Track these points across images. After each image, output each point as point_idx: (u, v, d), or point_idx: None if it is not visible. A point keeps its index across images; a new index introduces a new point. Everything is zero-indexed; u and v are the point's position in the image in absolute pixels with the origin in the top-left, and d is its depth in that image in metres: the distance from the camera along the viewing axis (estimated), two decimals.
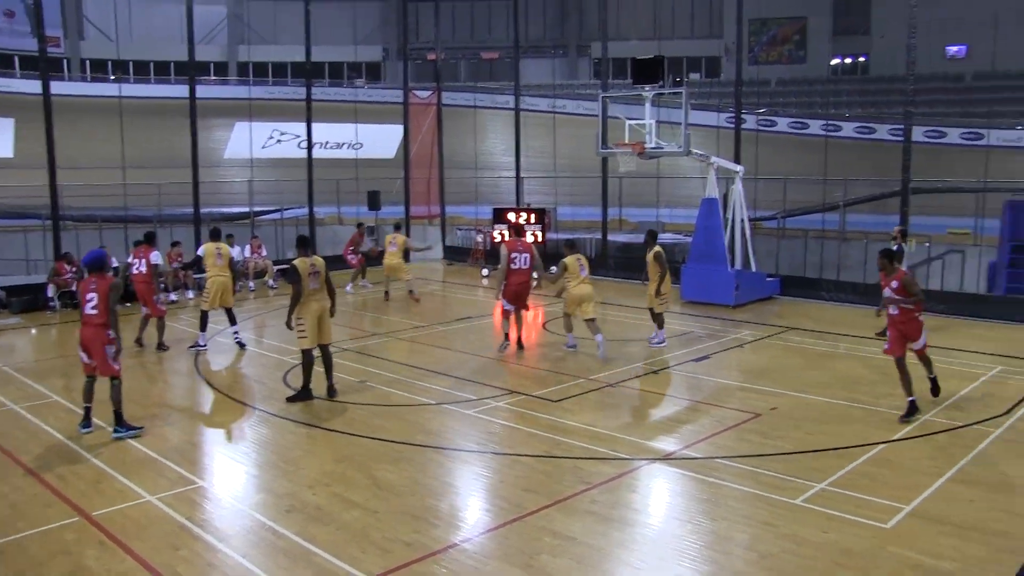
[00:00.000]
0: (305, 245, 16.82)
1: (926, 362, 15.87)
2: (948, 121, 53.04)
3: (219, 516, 11.20)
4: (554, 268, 22.29)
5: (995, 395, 16.45)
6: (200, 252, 22.28)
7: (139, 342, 21.64)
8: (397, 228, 30.93)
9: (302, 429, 14.85)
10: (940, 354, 19.82)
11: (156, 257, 21.59)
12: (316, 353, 16.60)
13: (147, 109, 54.13)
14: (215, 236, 22.36)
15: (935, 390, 15.89)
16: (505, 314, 21.32)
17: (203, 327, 21.55)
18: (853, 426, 14.59)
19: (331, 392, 16.62)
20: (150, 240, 22.01)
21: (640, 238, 36.54)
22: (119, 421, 14.48)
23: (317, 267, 16.36)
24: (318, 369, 16.74)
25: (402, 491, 11.77)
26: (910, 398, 14.84)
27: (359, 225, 32.84)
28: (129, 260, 22.24)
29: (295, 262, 16.30)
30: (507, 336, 21.33)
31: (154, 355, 20.89)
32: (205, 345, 21.45)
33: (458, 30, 78.69)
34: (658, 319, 21.37)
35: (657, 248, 21.10)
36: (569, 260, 20.71)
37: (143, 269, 21.39)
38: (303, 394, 16.44)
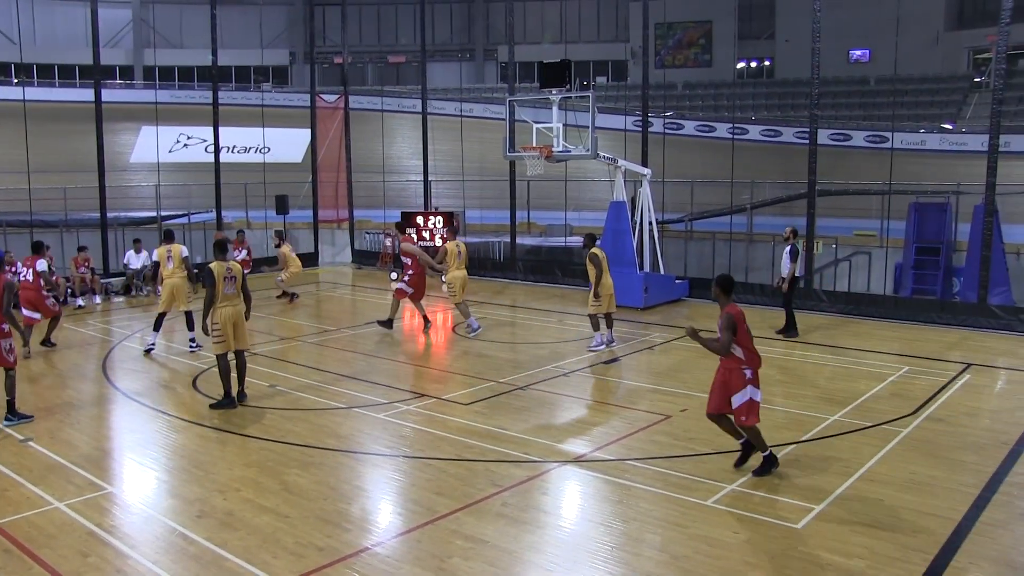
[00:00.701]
0: (222, 250, 16.66)
1: (731, 427, 12.59)
2: (853, 124, 53.78)
3: (129, 522, 10.97)
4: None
5: (903, 395, 16.61)
6: (154, 257, 22.53)
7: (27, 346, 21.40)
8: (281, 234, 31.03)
9: (212, 434, 14.63)
10: (849, 355, 20.12)
11: (41, 264, 21.69)
12: (230, 357, 16.44)
13: (52, 113, 53.40)
14: (167, 238, 22.19)
15: (740, 459, 12.65)
16: (404, 296, 23.52)
17: (156, 327, 21.45)
18: (763, 427, 14.56)
19: (240, 397, 16.43)
20: (36, 250, 22.41)
21: (551, 241, 36.73)
22: (11, 410, 15.25)
23: (233, 272, 16.16)
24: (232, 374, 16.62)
25: (313, 495, 11.63)
26: (766, 453, 12.28)
27: (239, 232, 31.65)
28: (17, 269, 22.30)
29: (211, 266, 16.11)
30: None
31: (62, 360, 20.54)
32: (153, 344, 21.32)
33: (365, 34, 78.55)
34: (592, 321, 21.04)
35: (593, 249, 20.78)
36: (450, 246, 22.88)
37: (29, 277, 21.53)
38: (226, 401, 16.19)
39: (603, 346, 20.94)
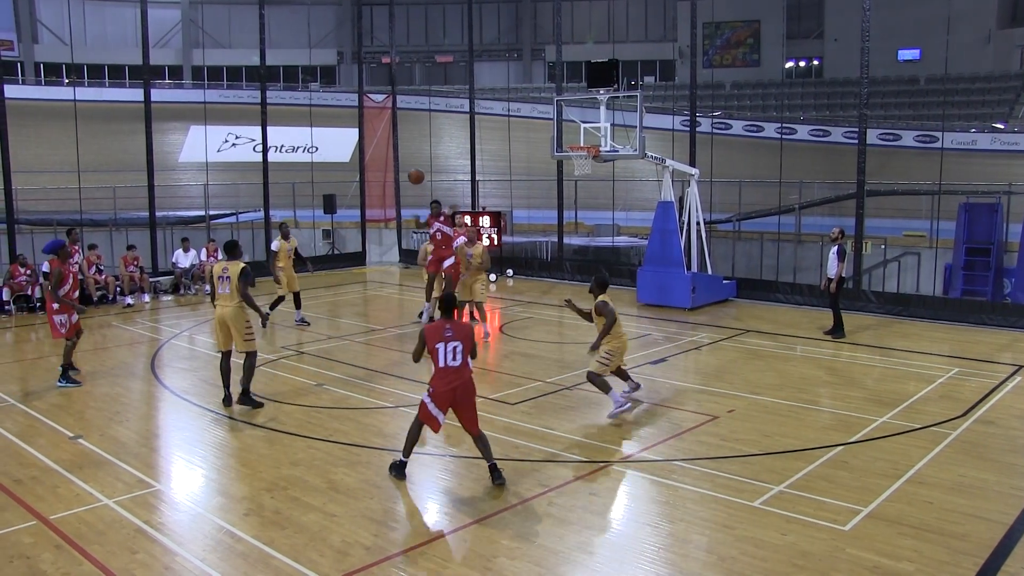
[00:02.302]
0: (227, 250, 16.59)
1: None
2: (902, 124, 53.38)
3: (176, 520, 11.10)
4: None
5: (952, 397, 16.49)
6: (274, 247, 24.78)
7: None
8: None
9: (259, 432, 14.72)
10: (897, 356, 19.98)
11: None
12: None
13: (102, 113, 53.80)
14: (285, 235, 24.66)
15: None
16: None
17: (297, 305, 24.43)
18: (810, 428, 14.61)
19: (236, 399, 16.33)
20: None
21: (599, 241, 36.67)
22: (63, 374, 18.00)
23: (228, 272, 16.01)
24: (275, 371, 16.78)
25: (360, 494, 11.71)
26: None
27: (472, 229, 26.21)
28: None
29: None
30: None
31: (111, 358, 20.68)
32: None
33: (412, 33, 78.67)
34: (598, 382, 15.76)
35: (602, 297, 15.82)
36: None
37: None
38: (226, 399, 16.35)
39: (627, 405, 15.76)
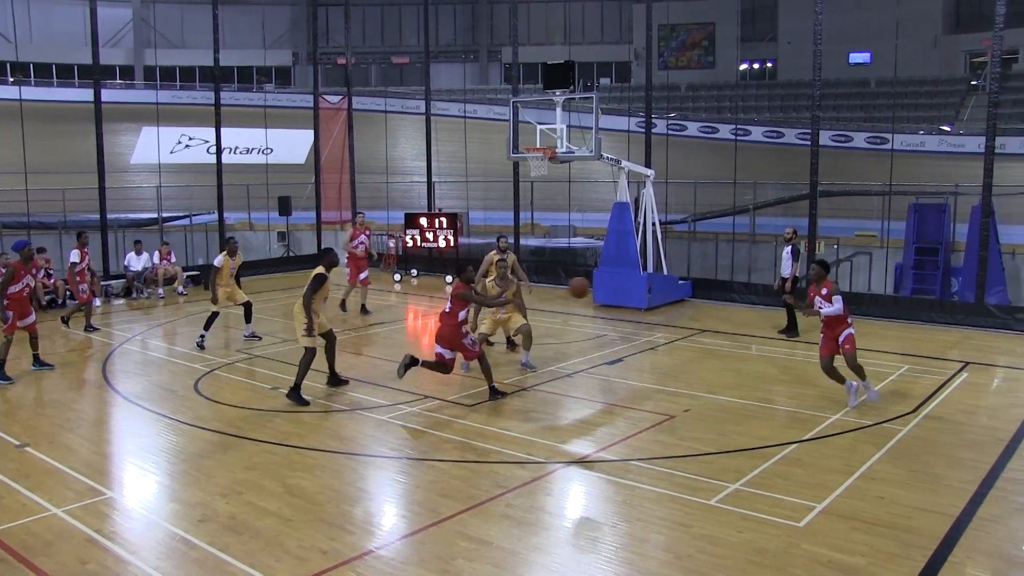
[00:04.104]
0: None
1: None
2: (853, 126, 53.82)
3: (129, 528, 10.99)
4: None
5: (903, 394, 16.70)
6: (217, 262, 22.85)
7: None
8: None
9: (214, 437, 14.63)
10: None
11: (72, 255, 24.42)
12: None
13: (50, 113, 53.42)
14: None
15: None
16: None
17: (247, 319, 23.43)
18: (765, 426, 14.74)
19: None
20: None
21: (555, 243, 36.73)
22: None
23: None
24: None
25: (316, 498, 11.69)
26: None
27: (357, 215, 29.58)
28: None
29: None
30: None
31: (60, 363, 20.35)
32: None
33: (368, 34, 78.51)
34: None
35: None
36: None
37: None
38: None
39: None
